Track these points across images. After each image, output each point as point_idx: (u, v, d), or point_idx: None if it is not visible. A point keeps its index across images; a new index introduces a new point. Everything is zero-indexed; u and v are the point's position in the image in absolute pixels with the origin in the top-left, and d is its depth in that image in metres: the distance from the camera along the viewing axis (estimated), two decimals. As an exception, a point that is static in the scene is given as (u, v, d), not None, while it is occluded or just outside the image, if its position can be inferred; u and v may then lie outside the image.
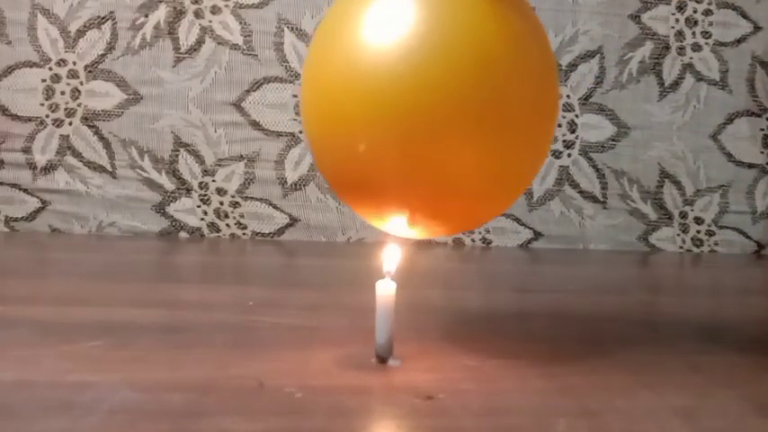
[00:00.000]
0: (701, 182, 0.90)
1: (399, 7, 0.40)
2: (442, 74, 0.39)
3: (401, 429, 0.34)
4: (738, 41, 0.89)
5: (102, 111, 0.81)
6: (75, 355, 0.41)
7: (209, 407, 0.35)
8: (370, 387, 0.39)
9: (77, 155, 0.81)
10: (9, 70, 0.80)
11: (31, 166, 0.81)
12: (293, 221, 0.84)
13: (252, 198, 0.84)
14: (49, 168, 0.81)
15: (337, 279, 0.68)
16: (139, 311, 0.52)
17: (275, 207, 0.84)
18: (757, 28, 0.89)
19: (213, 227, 0.83)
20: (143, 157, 0.82)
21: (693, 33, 0.88)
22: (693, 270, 0.86)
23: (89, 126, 0.81)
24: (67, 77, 0.80)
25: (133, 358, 0.41)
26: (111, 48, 0.81)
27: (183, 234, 0.83)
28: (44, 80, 0.80)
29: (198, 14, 0.81)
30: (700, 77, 0.89)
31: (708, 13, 0.88)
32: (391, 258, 0.43)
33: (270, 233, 0.84)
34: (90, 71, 0.81)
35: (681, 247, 0.90)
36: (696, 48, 0.88)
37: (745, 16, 0.89)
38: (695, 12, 0.88)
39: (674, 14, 0.88)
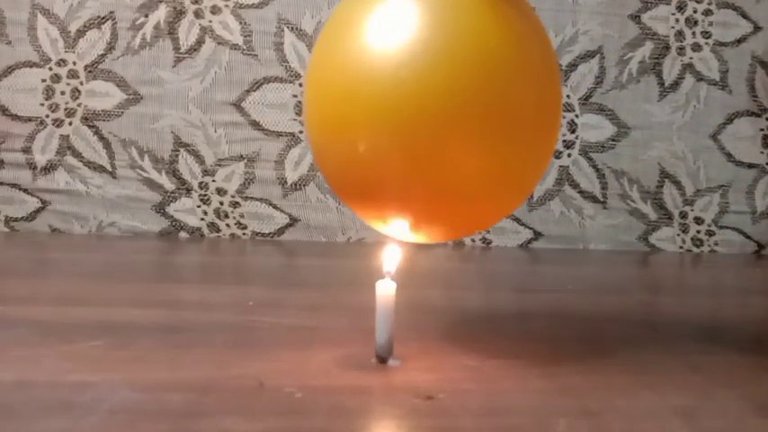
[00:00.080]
0: (700, 182, 0.90)
1: (402, 12, 0.40)
2: (444, 79, 0.39)
3: (401, 429, 0.34)
4: (738, 41, 0.89)
5: (102, 111, 0.81)
6: (75, 355, 0.41)
7: (209, 407, 0.35)
8: (370, 387, 0.39)
9: (77, 155, 0.81)
10: (9, 70, 0.80)
11: (31, 166, 0.81)
12: (293, 221, 0.84)
13: (252, 198, 0.84)
14: (49, 168, 0.81)
15: (337, 279, 0.68)
16: (139, 311, 0.51)
17: (275, 207, 0.84)
18: (757, 28, 0.89)
19: (213, 227, 0.83)
20: (143, 157, 0.82)
21: (693, 33, 0.88)
22: (693, 270, 0.86)
23: (89, 126, 0.81)
24: (67, 77, 0.80)
25: (133, 358, 0.41)
26: (111, 48, 0.81)
27: (183, 234, 0.83)
28: (44, 80, 0.80)
29: (198, 14, 0.81)
30: (700, 77, 0.89)
31: (708, 13, 0.88)
32: (391, 258, 0.43)
33: (270, 233, 0.84)
34: (90, 71, 0.81)
35: (681, 247, 0.90)
36: (696, 48, 0.88)
37: (745, 16, 0.89)
38: (695, 12, 0.88)
39: (674, 14, 0.88)
